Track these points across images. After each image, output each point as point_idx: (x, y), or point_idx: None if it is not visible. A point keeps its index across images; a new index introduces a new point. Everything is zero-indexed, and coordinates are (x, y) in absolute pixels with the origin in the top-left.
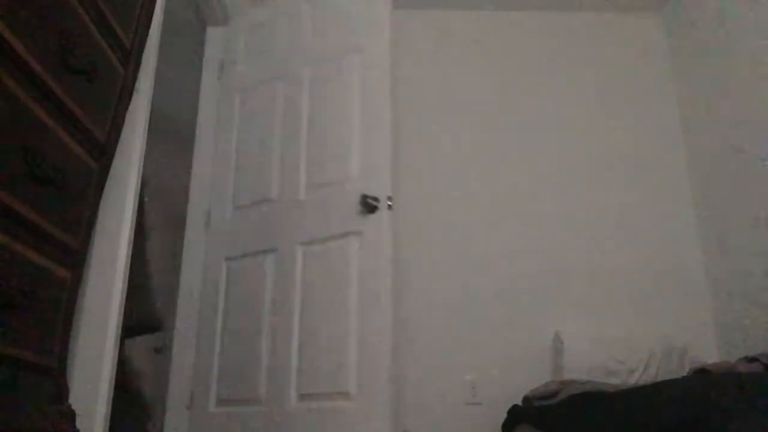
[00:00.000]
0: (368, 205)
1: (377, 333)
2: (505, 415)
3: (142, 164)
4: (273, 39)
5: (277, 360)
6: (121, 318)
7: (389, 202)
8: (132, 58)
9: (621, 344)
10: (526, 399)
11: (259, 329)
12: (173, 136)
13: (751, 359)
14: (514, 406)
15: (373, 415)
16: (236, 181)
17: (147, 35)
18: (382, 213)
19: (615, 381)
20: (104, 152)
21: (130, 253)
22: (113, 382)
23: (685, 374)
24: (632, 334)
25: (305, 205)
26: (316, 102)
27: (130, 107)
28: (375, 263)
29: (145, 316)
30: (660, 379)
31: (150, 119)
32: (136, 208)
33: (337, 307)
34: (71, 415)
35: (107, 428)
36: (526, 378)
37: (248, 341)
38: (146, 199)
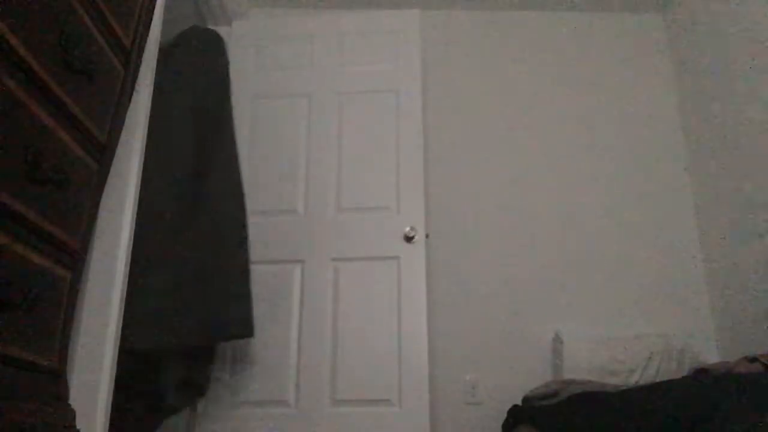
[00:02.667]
0: (408, 236)
1: (415, 347)
2: (505, 415)
3: (142, 164)
4: (290, 56)
5: (307, 366)
6: (122, 318)
7: (427, 234)
8: (132, 58)
9: (621, 344)
10: (526, 399)
11: (287, 335)
12: None
13: (751, 359)
14: (514, 406)
15: (413, 420)
16: (249, 186)
17: (147, 35)
18: (420, 244)
19: (615, 381)
20: (104, 152)
21: (130, 253)
22: (113, 382)
23: (685, 374)
24: (632, 334)
25: (337, 224)
26: (346, 131)
27: (130, 107)
28: (412, 285)
29: (242, 322)
30: (660, 379)
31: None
32: (136, 208)
33: (375, 321)
34: (71, 415)
35: (107, 428)
36: (526, 378)
37: (272, 345)
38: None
